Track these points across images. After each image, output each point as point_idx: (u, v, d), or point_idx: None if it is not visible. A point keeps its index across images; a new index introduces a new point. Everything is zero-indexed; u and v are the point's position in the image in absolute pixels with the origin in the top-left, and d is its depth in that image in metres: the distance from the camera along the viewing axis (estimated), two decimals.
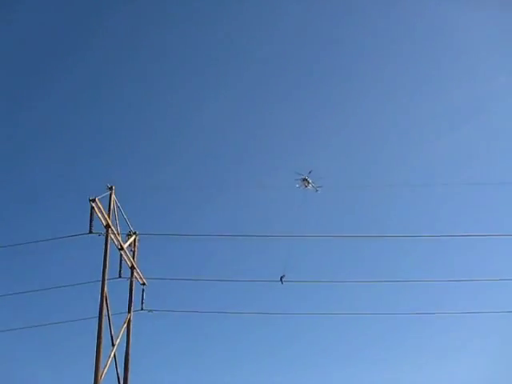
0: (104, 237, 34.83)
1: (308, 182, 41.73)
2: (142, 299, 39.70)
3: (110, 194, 35.92)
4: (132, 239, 38.71)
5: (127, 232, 38.39)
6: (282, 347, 57.57)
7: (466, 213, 63.51)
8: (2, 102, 67.19)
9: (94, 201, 33.98)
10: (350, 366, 54.85)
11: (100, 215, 34.62)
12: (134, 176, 61.17)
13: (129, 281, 38.75)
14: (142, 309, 39.48)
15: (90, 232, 34.20)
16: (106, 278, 34.09)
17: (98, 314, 33.22)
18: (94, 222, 34.17)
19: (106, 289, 33.84)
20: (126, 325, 37.38)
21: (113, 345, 34.92)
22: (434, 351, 55.51)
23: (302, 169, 40.88)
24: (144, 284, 40.01)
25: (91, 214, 34.09)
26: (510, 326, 44.54)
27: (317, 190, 42.32)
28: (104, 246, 34.56)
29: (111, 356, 34.44)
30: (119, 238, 36.78)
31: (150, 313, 39.66)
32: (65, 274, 49.79)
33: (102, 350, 32.31)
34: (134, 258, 39.02)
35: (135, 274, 39.12)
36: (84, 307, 38.35)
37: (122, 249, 37.32)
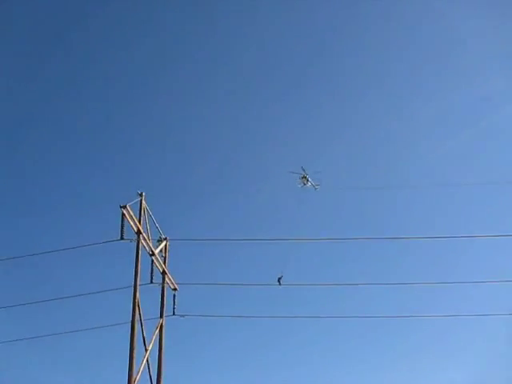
0: (135, 243, 35.05)
1: (307, 180, 41.42)
2: (174, 304, 40.00)
3: (141, 201, 36.14)
4: (163, 245, 38.91)
5: (158, 238, 38.65)
6: (299, 350, 57.62)
7: (467, 214, 63.70)
8: (38, 109, 68.50)
9: (124, 207, 34.19)
10: (350, 367, 54.99)
11: (131, 221, 34.85)
12: (163, 182, 61.68)
13: (160, 286, 38.98)
14: (173, 314, 39.76)
15: (122, 238, 34.41)
16: (138, 283, 34.32)
17: (130, 320, 33.41)
18: (125, 229, 34.40)
19: (138, 295, 34.03)
20: (158, 330, 37.60)
21: (145, 350, 35.10)
22: (434, 352, 55.36)
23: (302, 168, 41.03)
24: (175, 289, 40.25)
25: (122, 221, 34.29)
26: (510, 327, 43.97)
27: (316, 188, 42.05)
28: (135, 252, 34.75)
29: (144, 361, 34.61)
30: (150, 244, 36.98)
31: (182, 318, 39.91)
32: (97, 280, 50.18)
33: (134, 355, 32.46)
34: (165, 264, 39.23)
35: (166, 279, 39.33)
36: (116, 313, 38.64)
37: (153, 254, 37.50)
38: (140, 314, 34.13)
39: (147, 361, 35.07)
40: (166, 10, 71.61)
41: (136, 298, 33.90)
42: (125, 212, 34.26)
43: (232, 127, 71.94)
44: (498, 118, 65.13)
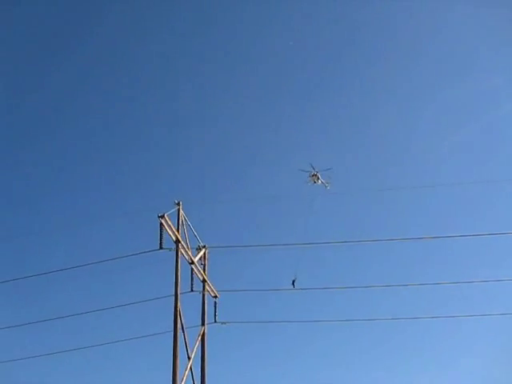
0: (174, 252, 35.26)
1: (318, 178, 40.44)
2: (215, 312, 40.11)
3: (178, 210, 36.37)
4: (202, 253, 39.06)
5: (197, 246, 38.82)
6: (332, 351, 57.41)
7: (466, 213, 62.94)
8: (77, 123, 69.71)
9: (162, 217, 34.42)
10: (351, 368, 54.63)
11: (169, 231, 35.07)
12: (199, 190, 62.02)
13: (201, 294, 39.12)
14: (215, 321, 39.88)
15: (161, 248, 34.67)
16: (179, 292, 34.49)
17: (172, 329, 33.61)
18: (163, 238, 34.63)
19: (179, 303, 34.22)
20: (200, 338, 37.72)
21: (188, 358, 35.24)
22: (434, 353, 54.65)
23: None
24: (216, 297, 40.34)
25: (161, 231, 34.54)
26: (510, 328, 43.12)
27: (326, 187, 40.88)
28: (175, 261, 34.98)
29: (187, 369, 34.74)
30: (189, 253, 37.15)
31: (224, 325, 39.98)
32: (138, 290, 50.59)
33: (178, 363, 32.66)
34: (204, 272, 39.37)
35: (207, 287, 39.45)
36: (158, 322, 38.93)
37: (192, 263, 37.69)
38: (182, 323, 34.28)
39: (190, 369, 35.20)
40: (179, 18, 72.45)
41: (177, 307, 34.08)
42: (163, 222, 34.48)
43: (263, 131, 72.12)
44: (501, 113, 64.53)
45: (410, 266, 57.15)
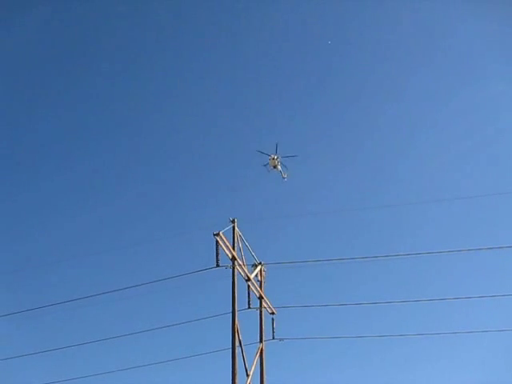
0: (231, 269, 35.44)
1: (277, 164, 35.30)
2: (273, 328, 40.04)
3: (233, 227, 36.60)
4: (258, 269, 39.15)
5: (253, 263, 38.93)
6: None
7: (460, 228, 61.26)
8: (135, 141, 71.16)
9: (218, 235, 34.68)
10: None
11: (225, 248, 35.29)
12: (253, 207, 62.18)
13: (258, 311, 39.16)
14: (273, 338, 39.81)
15: (217, 266, 34.87)
16: (236, 309, 34.62)
17: (230, 346, 33.71)
18: (219, 256, 34.84)
19: (236, 320, 34.33)
20: (258, 355, 37.71)
21: (247, 375, 35.27)
22: (433, 354, 52.93)
23: None
24: (273, 313, 40.32)
25: (217, 248, 34.77)
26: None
27: (283, 177, 36.38)
28: (231, 279, 35.16)
29: None
30: (245, 270, 37.29)
31: (282, 341, 39.89)
32: (195, 308, 50.91)
33: (237, 381, 32.70)
34: (261, 288, 39.43)
35: (264, 303, 39.49)
36: (216, 340, 39.05)
37: (248, 280, 37.81)
38: (240, 340, 34.37)
39: None
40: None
41: (235, 324, 34.20)
42: (218, 239, 34.73)
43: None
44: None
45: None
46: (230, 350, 33.53)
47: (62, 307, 39.40)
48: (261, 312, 39.27)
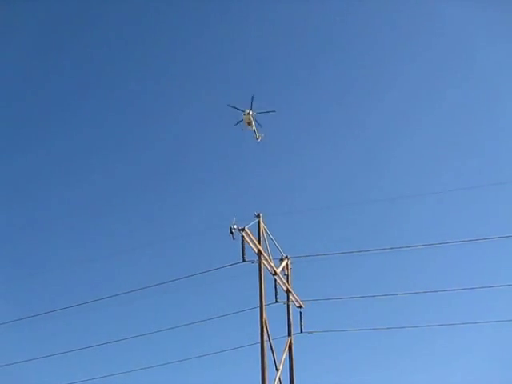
0: (257, 264, 35.44)
1: (252, 121, 30.90)
2: (301, 322, 39.99)
3: (259, 222, 36.58)
4: (284, 263, 39.11)
5: (279, 257, 38.92)
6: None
7: (461, 219, 60.89)
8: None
9: (243, 230, 34.67)
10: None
11: (251, 243, 35.29)
12: (277, 200, 62.14)
13: (285, 305, 39.14)
14: (301, 331, 39.79)
15: (244, 261, 34.88)
16: (264, 303, 34.62)
17: (259, 340, 33.72)
18: (245, 251, 34.85)
19: (264, 315, 34.33)
20: (287, 348, 37.72)
21: (276, 369, 35.28)
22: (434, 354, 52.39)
23: None
24: (301, 306, 40.27)
25: (242, 243, 34.75)
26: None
27: (257, 138, 32.45)
28: (258, 273, 35.16)
29: (276, 380, 34.78)
30: (272, 264, 37.26)
31: (310, 334, 39.84)
32: (223, 303, 50.98)
33: (266, 375, 32.72)
34: (288, 282, 39.40)
35: (291, 297, 39.45)
36: (244, 335, 39.08)
37: (275, 274, 37.78)
38: (268, 334, 34.39)
39: (279, 380, 35.21)
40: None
41: (263, 318, 34.19)
42: (244, 234, 34.73)
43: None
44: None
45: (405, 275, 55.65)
46: (259, 344, 33.55)
47: (88, 306, 39.93)
48: (288, 306, 39.24)
